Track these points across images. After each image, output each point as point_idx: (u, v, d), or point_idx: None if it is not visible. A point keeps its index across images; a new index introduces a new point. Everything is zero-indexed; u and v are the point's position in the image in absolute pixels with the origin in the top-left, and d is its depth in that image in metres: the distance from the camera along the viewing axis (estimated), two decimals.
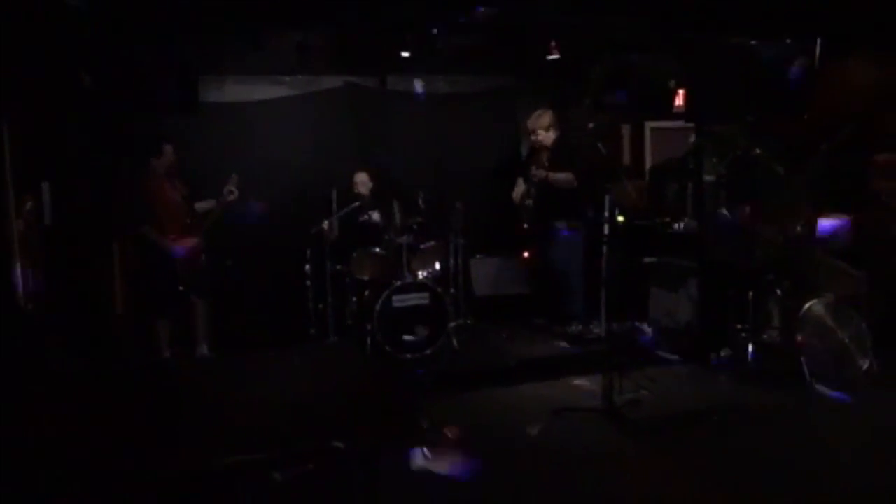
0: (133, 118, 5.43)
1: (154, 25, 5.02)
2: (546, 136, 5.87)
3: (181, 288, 5.14)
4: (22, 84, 4.74)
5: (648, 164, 7.35)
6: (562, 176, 5.73)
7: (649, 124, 7.39)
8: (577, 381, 4.99)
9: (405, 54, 5.91)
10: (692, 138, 5.88)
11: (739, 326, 5.28)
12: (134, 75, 4.98)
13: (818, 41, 5.54)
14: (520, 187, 6.07)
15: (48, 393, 3.68)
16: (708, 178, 5.89)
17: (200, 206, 5.39)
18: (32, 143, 5.10)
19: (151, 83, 4.98)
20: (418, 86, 6.61)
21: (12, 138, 5.00)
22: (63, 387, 3.99)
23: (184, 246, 5.15)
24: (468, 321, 6.10)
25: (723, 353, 5.28)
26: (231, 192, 5.23)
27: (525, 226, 6.14)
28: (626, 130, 7.49)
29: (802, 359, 4.72)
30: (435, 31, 5.61)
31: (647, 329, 5.98)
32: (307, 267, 5.75)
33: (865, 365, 4.74)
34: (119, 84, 4.98)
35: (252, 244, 6.10)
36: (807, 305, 4.79)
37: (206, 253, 5.37)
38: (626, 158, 7.43)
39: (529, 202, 6.00)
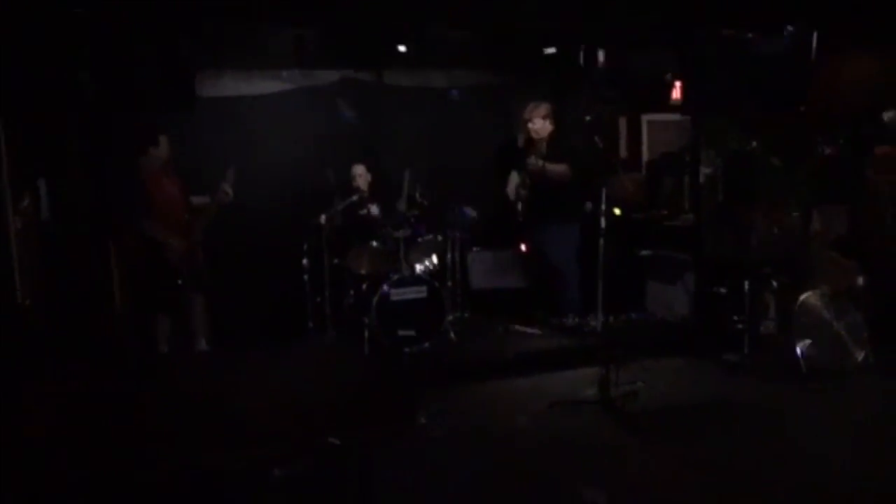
0: (130, 114, 5.42)
1: (151, 21, 5.01)
2: (543, 127, 5.86)
3: (179, 282, 5.15)
4: (18, 80, 4.74)
5: (645, 157, 7.36)
6: (557, 168, 5.74)
7: (646, 117, 7.39)
8: (573, 374, 5.02)
9: (402, 49, 5.91)
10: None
11: (736, 319, 5.30)
12: (131, 72, 4.97)
13: (815, 34, 5.54)
14: (513, 180, 6.07)
15: (47, 390, 3.70)
16: (705, 171, 5.92)
17: (196, 200, 5.39)
18: (29, 139, 5.10)
19: (149, 80, 4.98)
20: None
21: (8, 135, 5.00)
22: (62, 383, 4.01)
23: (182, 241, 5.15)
24: (465, 314, 6.12)
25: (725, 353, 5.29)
26: (226, 194, 5.23)
27: (520, 218, 6.14)
28: (622, 123, 7.49)
29: (798, 350, 4.75)
30: (432, 25, 5.61)
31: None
32: (305, 261, 5.76)
33: (861, 356, 4.77)
34: (116, 80, 4.97)
35: (251, 237, 6.11)
36: (802, 297, 4.82)
37: (205, 247, 5.37)
38: (623, 152, 7.43)
39: (524, 192, 6.00)
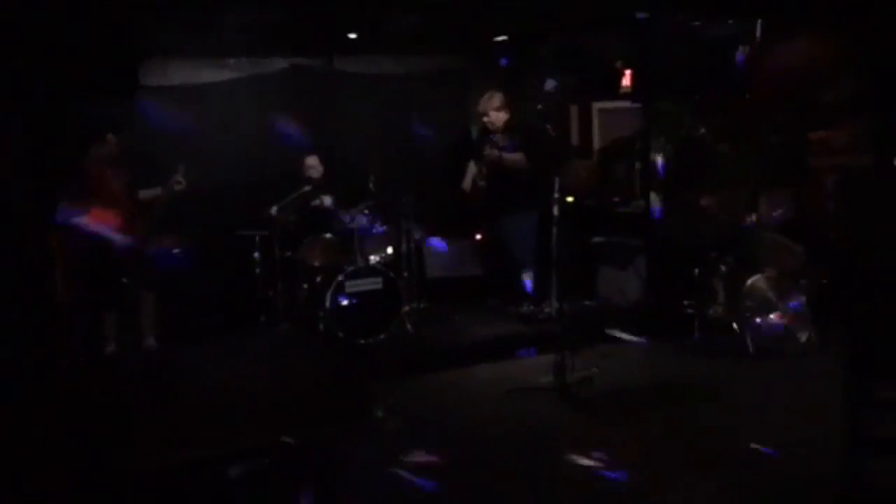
0: (70, 102, 5.23)
1: (92, 7, 4.82)
2: (497, 117, 5.86)
3: (125, 280, 5.00)
4: None
5: (597, 144, 7.42)
6: (514, 156, 5.75)
7: (596, 105, 7.44)
8: (530, 361, 5.06)
9: (352, 35, 5.83)
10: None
11: (686, 303, 5.41)
12: (68, 57, 4.78)
13: (759, 21, 5.66)
14: (470, 172, 6.06)
15: None
16: (655, 157, 5.99)
17: (145, 194, 5.23)
18: None
19: (89, 65, 4.80)
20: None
21: None
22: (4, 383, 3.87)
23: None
24: (422, 305, 6.10)
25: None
26: (178, 182, 5.09)
27: (478, 207, 6.14)
28: (573, 111, 7.53)
29: (746, 333, 4.88)
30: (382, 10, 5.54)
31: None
32: (256, 254, 5.66)
33: (805, 337, 4.92)
34: (52, 66, 4.78)
35: (199, 231, 5.96)
36: (750, 281, 4.94)
37: (151, 242, 5.22)
38: (575, 139, 7.48)
39: (482, 183, 6.00)
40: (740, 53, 5.65)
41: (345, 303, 5.26)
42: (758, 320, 4.90)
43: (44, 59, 4.77)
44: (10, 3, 4.50)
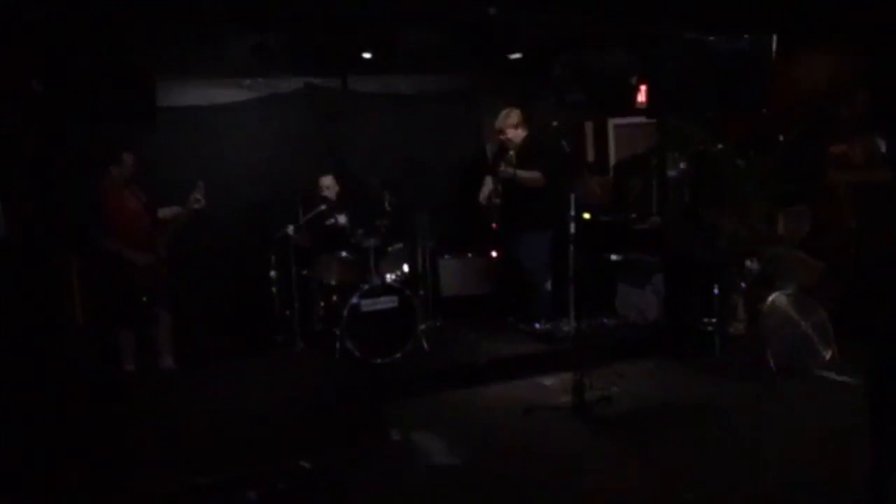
0: (88, 126, 5.28)
1: (108, 30, 4.88)
2: (515, 135, 5.84)
3: (143, 299, 5.01)
4: None
5: (612, 160, 7.40)
6: (529, 174, 5.73)
7: (612, 120, 7.44)
8: (547, 380, 5.01)
9: (366, 55, 5.85)
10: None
11: (706, 320, 5.35)
12: (88, 82, 4.83)
13: (774, 36, 5.63)
14: (487, 187, 6.04)
15: (7, 408, 3.57)
16: (671, 173, 5.96)
17: (163, 213, 5.25)
18: None
19: (106, 89, 4.84)
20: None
21: None
22: (22, 402, 3.88)
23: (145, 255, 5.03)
24: (437, 322, 6.07)
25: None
26: (198, 200, 5.11)
27: (493, 225, 6.12)
28: (588, 127, 7.53)
29: (767, 350, 4.81)
30: (395, 30, 5.57)
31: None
32: (272, 273, 5.66)
33: (828, 354, 4.85)
34: (72, 91, 4.83)
35: (216, 251, 5.98)
36: (770, 298, 4.88)
37: (170, 262, 5.24)
38: (590, 155, 7.47)
39: (497, 201, 5.98)
40: (756, 68, 5.61)
41: (360, 322, 5.24)
42: (779, 337, 4.84)
43: (62, 81, 4.82)
44: (29, 28, 4.56)
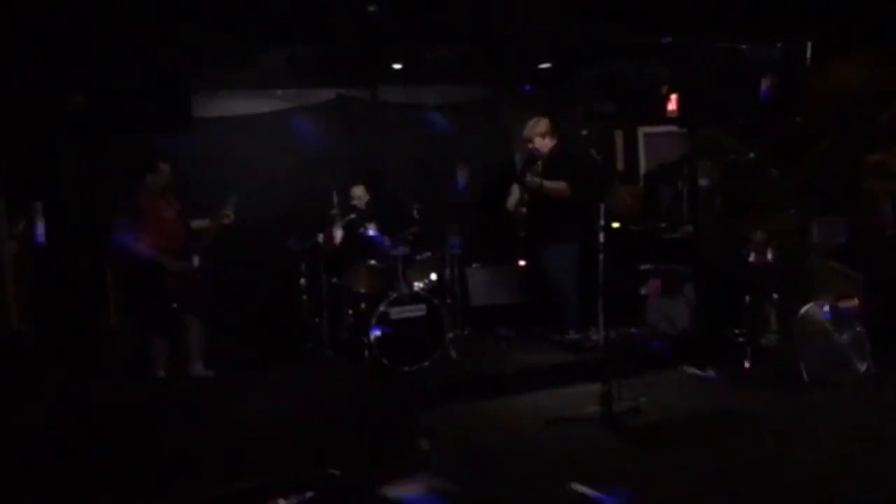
0: (125, 136, 5.41)
1: (144, 43, 5.01)
2: (543, 144, 5.82)
3: (175, 305, 5.10)
4: (12, 104, 4.73)
5: (643, 169, 7.35)
6: (555, 184, 5.70)
7: (642, 129, 7.40)
8: (576, 390, 4.98)
9: (396, 66, 5.91)
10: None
11: (737, 331, 5.27)
12: (125, 93, 4.96)
13: (808, 44, 5.55)
14: (514, 195, 6.04)
15: (44, 413, 3.66)
16: (702, 182, 5.90)
17: (195, 223, 5.35)
18: (24, 163, 5.09)
19: (143, 101, 4.96)
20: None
21: (3, 159, 4.98)
22: (58, 407, 3.97)
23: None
24: (465, 331, 6.07)
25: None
26: (227, 216, 5.19)
27: (521, 234, 6.11)
28: (618, 136, 7.49)
29: (801, 363, 4.72)
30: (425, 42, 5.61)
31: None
32: (302, 281, 5.73)
33: (864, 367, 4.73)
34: (110, 102, 4.96)
35: (247, 259, 6.07)
36: (804, 309, 4.79)
37: (202, 270, 5.33)
38: (620, 164, 7.43)
39: (523, 210, 5.98)
40: (789, 76, 5.54)
41: (389, 330, 5.27)
42: (812, 349, 4.74)
43: (102, 95, 4.95)
44: (70, 43, 4.69)
